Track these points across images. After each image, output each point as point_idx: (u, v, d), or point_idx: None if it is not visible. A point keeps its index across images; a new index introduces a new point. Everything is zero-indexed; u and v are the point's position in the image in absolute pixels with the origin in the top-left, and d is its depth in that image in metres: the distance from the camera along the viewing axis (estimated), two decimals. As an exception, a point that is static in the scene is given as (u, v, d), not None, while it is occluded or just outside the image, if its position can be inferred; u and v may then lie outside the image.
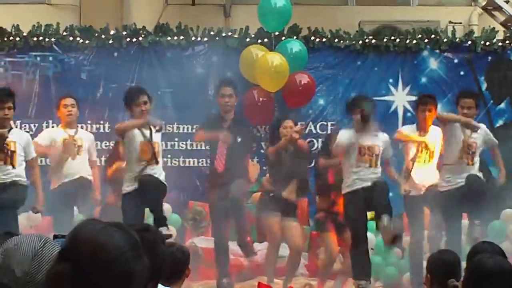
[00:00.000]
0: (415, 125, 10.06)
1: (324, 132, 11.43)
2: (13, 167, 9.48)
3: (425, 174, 9.71)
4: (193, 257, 6.19)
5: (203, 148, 11.70)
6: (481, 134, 9.77)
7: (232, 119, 10.04)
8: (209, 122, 10.27)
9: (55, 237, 2.92)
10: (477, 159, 9.74)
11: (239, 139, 9.95)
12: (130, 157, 9.32)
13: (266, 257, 10.06)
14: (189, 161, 11.65)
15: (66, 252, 2.44)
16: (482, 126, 9.88)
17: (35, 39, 11.67)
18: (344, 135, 9.34)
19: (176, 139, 11.41)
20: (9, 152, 9.52)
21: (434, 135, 9.82)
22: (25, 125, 11.22)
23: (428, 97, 10.20)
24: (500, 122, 11.72)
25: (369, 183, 9.23)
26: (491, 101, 11.87)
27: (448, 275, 5.51)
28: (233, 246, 10.83)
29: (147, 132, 9.26)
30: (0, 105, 9.40)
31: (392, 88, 11.90)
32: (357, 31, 12.17)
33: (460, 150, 9.57)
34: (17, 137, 9.60)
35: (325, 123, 11.69)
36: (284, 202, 9.89)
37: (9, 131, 9.47)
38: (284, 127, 10.02)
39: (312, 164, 10.90)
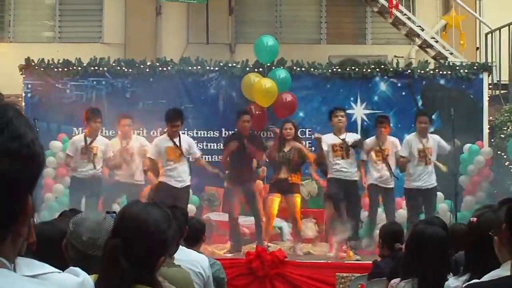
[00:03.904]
0: (374, 137, 10.12)
1: (304, 136, 11.40)
2: (94, 166, 9.66)
3: None
4: (208, 227, 6.17)
5: (214, 148, 11.69)
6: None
7: (247, 135, 10.14)
8: (230, 140, 10.36)
9: (107, 212, 2.91)
10: None
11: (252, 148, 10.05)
12: None
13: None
14: (205, 157, 11.62)
15: (117, 229, 2.44)
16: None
17: (92, 68, 11.66)
18: None
19: (196, 141, 11.38)
20: (92, 154, 9.69)
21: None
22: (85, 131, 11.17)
23: (384, 117, 10.31)
24: (431, 129, 11.70)
25: None
26: (425, 114, 11.86)
27: (394, 240, 5.50)
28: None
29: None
30: (94, 118, 9.65)
31: (353, 104, 11.87)
32: (327, 63, 12.17)
33: None
34: (99, 143, 9.78)
35: (304, 129, 11.67)
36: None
37: (94, 139, 9.70)
38: (285, 128, 10.07)
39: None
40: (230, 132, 11.29)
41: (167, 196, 8.87)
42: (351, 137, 9.87)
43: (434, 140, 10.06)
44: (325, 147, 9.78)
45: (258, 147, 10.25)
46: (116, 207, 9.77)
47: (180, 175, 9.55)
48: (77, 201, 9.32)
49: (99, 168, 9.88)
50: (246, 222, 10.68)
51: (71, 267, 1.98)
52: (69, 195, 10.01)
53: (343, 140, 9.73)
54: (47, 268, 1.61)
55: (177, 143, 9.55)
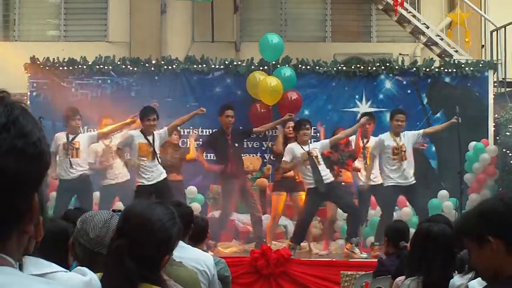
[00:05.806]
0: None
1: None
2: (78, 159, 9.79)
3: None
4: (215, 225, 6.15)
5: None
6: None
7: (230, 131, 10.22)
8: (213, 137, 10.40)
9: (114, 211, 2.92)
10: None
11: (236, 145, 10.10)
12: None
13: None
14: (209, 156, 11.62)
15: (122, 229, 2.44)
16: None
17: (97, 67, 11.67)
18: None
19: (201, 140, 11.39)
20: (74, 148, 9.79)
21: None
22: (90, 130, 11.17)
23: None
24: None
25: None
26: (430, 112, 11.84)
27: (400, 238, 5.50)
28: (242, 216, 10.84)
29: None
30: (73, 117, 9.78)
31: (358, 102, 11.86)
32: (332, 61, 12.15)
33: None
34: (81, 138, 9.87)
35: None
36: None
37: (76, 136, 9.77)
38: (287, 127, 10.12)
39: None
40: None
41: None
42: (314, 148, 9.75)
43: (405, 137, 10.04)
44: (289, 157, 9.59)
45: (242, 144, 10.27)
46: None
47: (152, 173, 9.46)
48: (65, 205, 9.26)
49: (84, 167, 9.93)
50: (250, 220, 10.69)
51: (79, 267, 1.99)
52: (56, 199, 9.84)
53: (308, 152, 9.60)
54: (54, 267, 1.62)
55: (150, 141, 9.50)
